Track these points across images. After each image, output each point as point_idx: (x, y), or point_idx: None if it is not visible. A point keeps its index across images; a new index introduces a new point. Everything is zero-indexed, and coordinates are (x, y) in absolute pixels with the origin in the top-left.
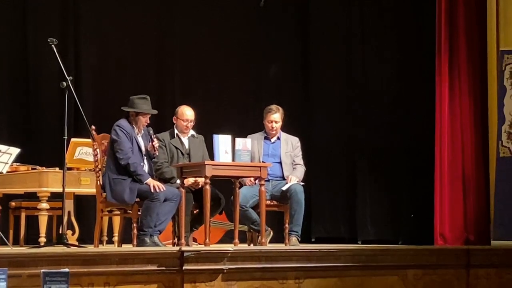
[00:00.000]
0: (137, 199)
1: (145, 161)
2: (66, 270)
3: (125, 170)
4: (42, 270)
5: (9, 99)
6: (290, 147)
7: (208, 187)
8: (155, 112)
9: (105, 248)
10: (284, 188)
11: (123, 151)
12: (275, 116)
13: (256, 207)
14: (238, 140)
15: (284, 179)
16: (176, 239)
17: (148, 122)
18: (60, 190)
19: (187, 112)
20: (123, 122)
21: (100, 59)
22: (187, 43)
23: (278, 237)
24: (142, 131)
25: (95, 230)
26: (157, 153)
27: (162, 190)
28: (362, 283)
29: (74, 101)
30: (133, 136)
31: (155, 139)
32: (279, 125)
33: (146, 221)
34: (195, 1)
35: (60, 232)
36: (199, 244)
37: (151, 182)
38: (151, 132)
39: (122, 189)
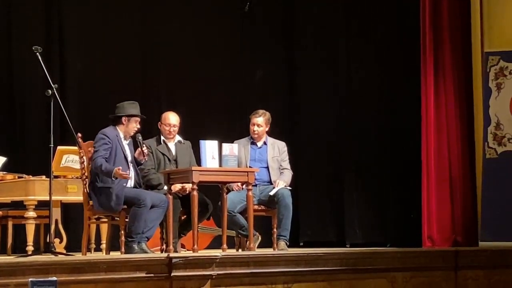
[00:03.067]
0: (124, 206)
1: (131, 168)
2: (54, 278)
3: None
4: (30, 279)
5: None
6: (276, 152)
7: (195, 193)
8: (144, 117)
9: (93, 256)
10: (271, 193)
11: (93, 157)
12: (258, 120)
13: (243, 212)
14: (225, 146)
15: (271, 183)
16: (164, 246)
17: (139, 127)
18: (47, 198)
19: (170, 117)
20: (107, 129)
21: (85, 67)
22: (172, 49)
23: (267, 242)
24: (129, 138)
25: (82, 238)
26: (146, 159)
27: (128, 177)
28: (351, 287)
29: (60, 109)
30: (117, 143)
31: (144, 146)
32: (261, 129)
33: (134, 228)
34: (179, 7)
35: (48, 240)
36: (187, 250)
37: (119, 173)
38: (140, 138)
39: (108, 197)
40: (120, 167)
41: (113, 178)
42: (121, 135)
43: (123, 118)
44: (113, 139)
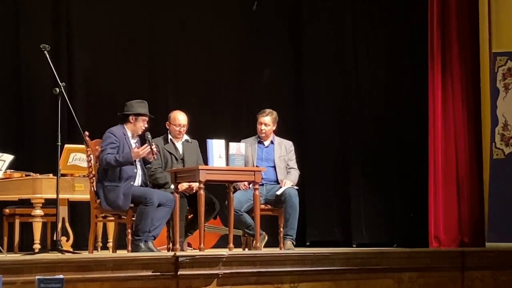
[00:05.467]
0: (131, 205)
1: (138, 166)
2: (61, 276)
3: (116, 177)
4: (37, 277)
5: (1, 105)
6: (283, 151)
7: (202, 192)
8: (152, 116)
9: (99, 254)
10: (278, 192)
11: (101, 156)
12: (265, 119)
13: (250, 212)
14: (232, 145)
15: (278, 183)
16: (170, 244)
17: (147, 126)
18: (54, 196)
19: (179, 117)
20: (114, 128)
21: (93, 65)
22: (179, 48)
23: (273, 241)
24: (137, 137)
25: (89, 236)
26: (155, 157)
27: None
28: (357, 287)
29: (67, 107)
30: (125, 141)
31: (153, 144)
32: (269, 128)
33: (140, 226)
34: (187, 7)
35: (55, 238)
36: (194, 249)
37: (137, 153)
38: (149, 137)
39: (115, 195)
40: (136, 147)
41: (135, 161)
42: (129, 134)
43: (131, 117)
44: (120, 137)
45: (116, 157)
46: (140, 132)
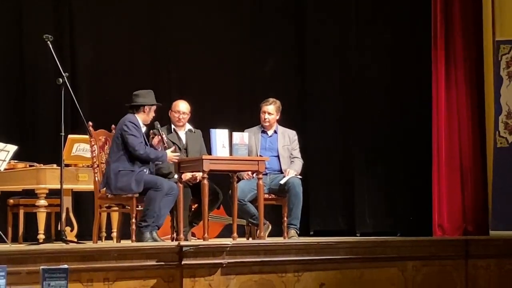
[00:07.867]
0: (137, 195)
1: None
2: (65, 266)
3: (132, 162)
4: (41, 267)
5: (5, 96)
6: (287, 141)
7: (206, 181)
8: (160, 104)
9: (104, 244)
10: (282, 182)
11: (138, 145)
12: (269, 108)
13: (254, 201)
14: (235, 134)
15: (281, 172)
16: (175, 234)
17: (154, 115)
18: (58, 187)
19: (180, 104)
20: (131, 116)
21: (96, 55)
22: (182, 39)
23: (277, 231)
24: (145, 127)
25: (93, 226)
26: (166, 146)
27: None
28: (362, 275)
29: (71, 98)
30: (141, 131)
31: (163, 134)
32: (272, 117)
33: (148, 212)
34: None
35: (59, 228)
36: (198, 238)
37: (171, 158)
38: (159, 126)
39: (128, 180)
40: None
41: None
42: (140, 124)
43: (146, 107)
44: (139, 126)
45: (152, 152)
46: (148, 122)
